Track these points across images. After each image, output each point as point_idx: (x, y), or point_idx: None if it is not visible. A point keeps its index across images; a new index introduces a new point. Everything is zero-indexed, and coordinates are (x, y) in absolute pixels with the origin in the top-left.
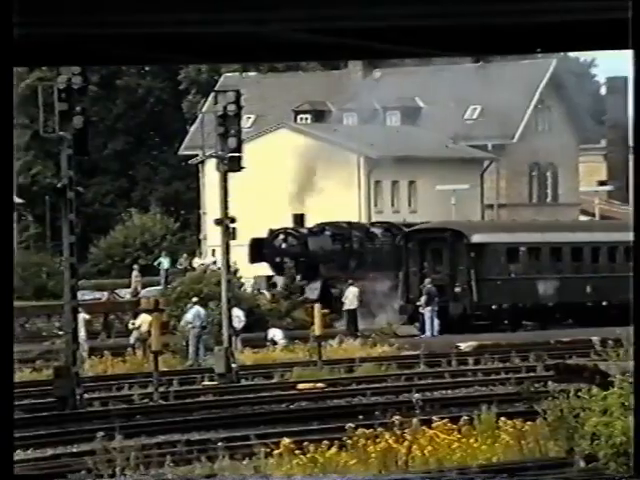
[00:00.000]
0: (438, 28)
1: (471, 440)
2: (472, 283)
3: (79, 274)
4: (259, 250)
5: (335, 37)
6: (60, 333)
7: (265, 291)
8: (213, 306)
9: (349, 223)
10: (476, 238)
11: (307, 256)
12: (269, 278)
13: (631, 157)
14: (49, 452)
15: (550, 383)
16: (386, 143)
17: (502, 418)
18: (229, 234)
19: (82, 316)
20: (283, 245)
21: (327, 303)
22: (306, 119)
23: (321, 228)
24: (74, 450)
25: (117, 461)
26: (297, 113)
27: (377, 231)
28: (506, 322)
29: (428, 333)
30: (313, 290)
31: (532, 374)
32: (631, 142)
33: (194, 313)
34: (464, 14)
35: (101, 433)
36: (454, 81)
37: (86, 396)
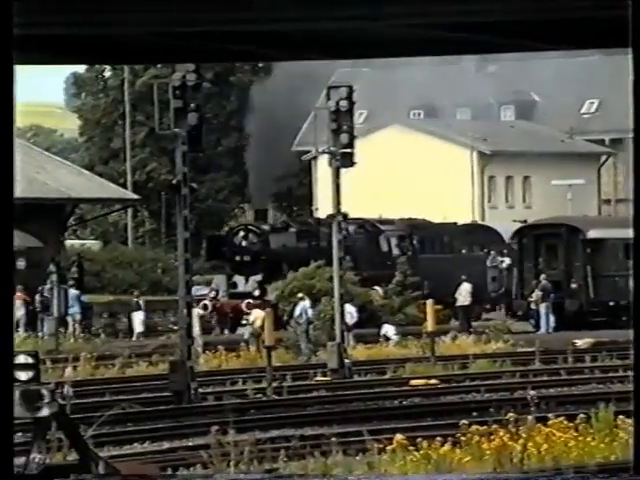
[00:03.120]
0: (551, 22)
1: (588, 438)
2: (588, 279)
3: (193, 270)
4: (217, 247)
5: (449, 32)
6: (175, 328)
7: (378, 288)
8: (326, 302)
9: (317, 219)
10: (592, 234)
11: (269, 254)
12: (229, 277)
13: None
14: (165, 445)
15: None
16: (500, 138)
17: (620, 416)
18: (341, 230)
19: (196, 311)
20: (243, 242)
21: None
22: (419, 114)
23: (285, 225)
24: (189, 444)
25: (231, 455)
26: (410, 108)
27: (349, 228)
28: (624, 319)
29: (543, 329)
30: (274, 290)
31: None
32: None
33: (301, 308)
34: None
35: (215, 427)
36: (571, 75)
37: (201, 390)
